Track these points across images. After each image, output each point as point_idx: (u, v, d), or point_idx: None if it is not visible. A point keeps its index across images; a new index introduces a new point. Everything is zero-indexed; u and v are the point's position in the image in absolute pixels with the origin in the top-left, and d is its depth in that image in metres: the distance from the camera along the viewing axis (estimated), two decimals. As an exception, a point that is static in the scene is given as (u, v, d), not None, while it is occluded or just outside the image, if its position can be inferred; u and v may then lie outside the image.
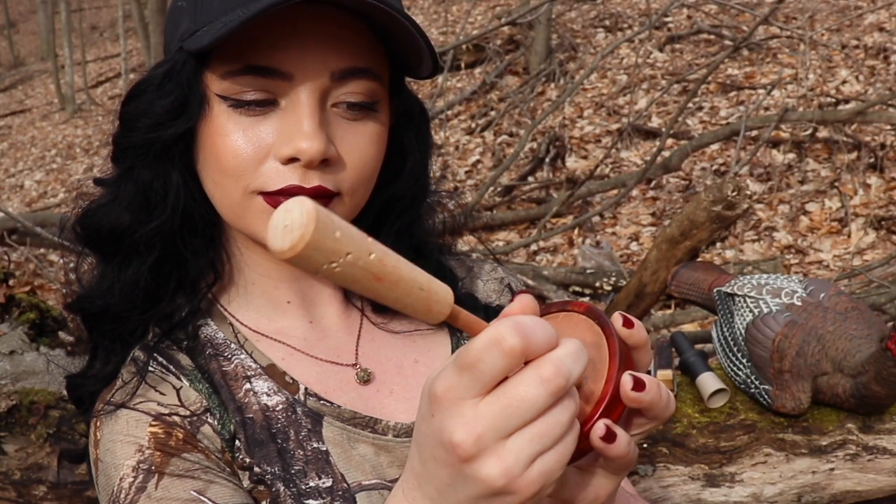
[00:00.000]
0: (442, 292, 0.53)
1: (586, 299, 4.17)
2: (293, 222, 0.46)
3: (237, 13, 0.72)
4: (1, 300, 1.72)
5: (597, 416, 0.57)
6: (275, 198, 0.77)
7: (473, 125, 7.14)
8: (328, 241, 0.47)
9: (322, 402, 0.82)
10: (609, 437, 0.56)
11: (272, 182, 0.77)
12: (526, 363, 0.53)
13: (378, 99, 0.81)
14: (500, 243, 4.97)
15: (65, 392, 1.59)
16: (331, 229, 0.47)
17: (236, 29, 0.70)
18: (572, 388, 0.54)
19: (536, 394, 0.52)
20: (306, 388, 0.83)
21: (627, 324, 0.60)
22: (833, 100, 5.84)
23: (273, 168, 0.77)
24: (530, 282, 3.81)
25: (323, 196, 0.77)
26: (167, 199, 0.80)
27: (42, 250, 5.63)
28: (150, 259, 0.82)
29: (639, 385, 0.57)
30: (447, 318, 0.54)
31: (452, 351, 0.92)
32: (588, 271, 4.23)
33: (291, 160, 0.76)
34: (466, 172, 6.49)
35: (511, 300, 0.98)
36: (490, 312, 0.94)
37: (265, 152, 0.77)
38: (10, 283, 1.77)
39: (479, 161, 6.64)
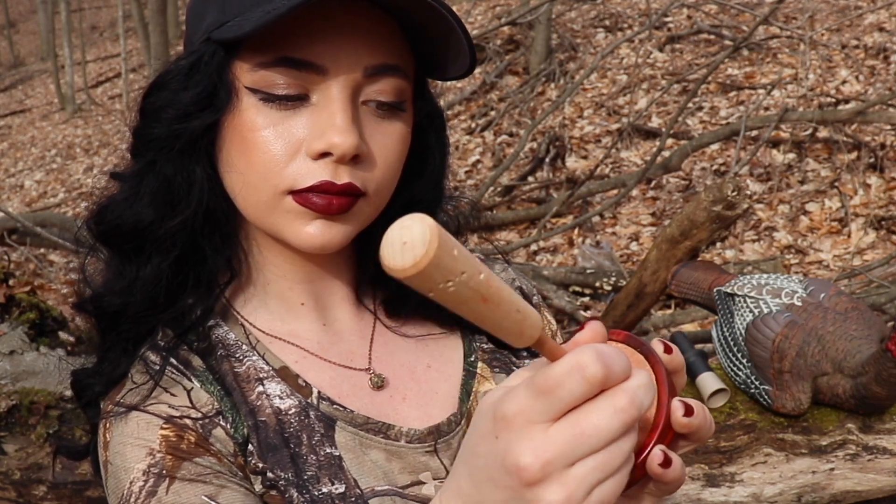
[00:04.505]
0: (533, 316, 0.53)
1: (586, 299, 4.17)
2: (413, 239, 0.45)
3: (273, 4, 0.71)
4: (1, 300, 1.72)
5: (653, 443, 0.58)
6: (305, 196, 0.76)
7: (473, 125, 7.14)
8: (448, 258, 0.46)
9: (335, 406, 0.81)
10: (666, 462, 0.57)
11: (302, 179, 0.76)
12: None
13: (405, 99, 0.80)
14: (501, 243, 4.97)
15: (65, 392, 1.60)
16: (450, 247, 0.46)
17: (284, 15, 0.69)
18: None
19: (609, 423, 0.52)
20: (319, 392, 0.82)
21: (667, 350, 0.61)
22: (833, 100, 5.84)
23: (303, 164, 0.76)
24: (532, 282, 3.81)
25: (352, 194, 0.77)
26: (191, 194, 0.79)
27: (42, 250, 5.63)
28: (172, 256, 0.80)
29: (689, 411, 0.58)
30: (532, 343, 0.53)
31: (465, 356, 0.91)
32: (588, 271, 4.23)
33: (323, 155, 0.75)
34: (466, 172, 6.49)
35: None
36: None
37: (295, 148, 0.76)
38: (10, 283, 1.77)
39: (479, 161, 6.64)
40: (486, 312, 0.50)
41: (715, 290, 1.65)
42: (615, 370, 0.52)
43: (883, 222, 4.68)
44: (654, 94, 6.43)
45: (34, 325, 1.73)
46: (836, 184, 5.09)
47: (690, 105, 6.15)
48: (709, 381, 1.56)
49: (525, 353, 0.95)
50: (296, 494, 0.76)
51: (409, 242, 0.45)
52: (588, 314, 3.90)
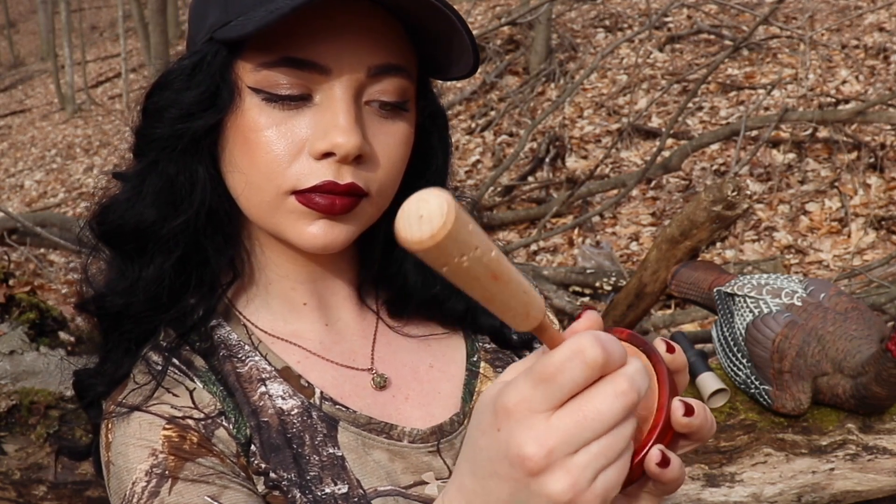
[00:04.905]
0: (538, 299, 0.53)
1: (586, 299, 4.17)
2: (431, 212, 0.45)
3: (276, 4, 0.71)
4: (1, 300, 1.72)
5: (651, 442, 0.58)
6: (307, 196, 0.76)
7: (473, 125, 7.14)
8: (464, 232, 0.46)
9: (337, 406, 0.81)
10: (664, 462, 0.57)
11: (305, 179, 0.76)
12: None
13: (408, 98, 0.80)
14: (500, 243, 4.97)
15: (65, 392, 1.60)
16: (466, 221, 0.46)
17: (287, 15, 0.69)
18: None
19: (611, 407, 0.52)
20: (322, 393, 0.82)
21: (670, 349, 0.61)
22: (833, 100, 5.84)
23: (306, 164, 0.76)
24: (533, 280, 3.81)
25: (355, 194, 0.77)
26: (193, 194, 0.79)
27: (42, 250, 5.63)
28: (174, 256, 0.80)
29: (689, 411, 0.58)
30: (535, 327, 0.53)
31: (468, 355, 0.91)
32: (588, 271, 4.23)
33: (326, 155, 0.76)
34: (466, 172, 6.49)
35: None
36: None
37: (298, 148, 0.76)
38: (10, 283, 1.78)
39: (479, 161, 6.64)
40: (495, 290, 0.50)
41: (715, 290, 1.65)
42: (614, 355, 0.52)
43: (883, 222, 4.68)
44: (654, 94, 6.43)
45: (34, 325, 1.73)
46: (836, 184, 5.10)
47: (690, 105, 6.15)
48: (709, 381, 1.56)
49: (527, 354, 0.95)
50: (298, 495, 0.76)
51: (427, 215, 0.45)
52: (588, 314, 3.89)
